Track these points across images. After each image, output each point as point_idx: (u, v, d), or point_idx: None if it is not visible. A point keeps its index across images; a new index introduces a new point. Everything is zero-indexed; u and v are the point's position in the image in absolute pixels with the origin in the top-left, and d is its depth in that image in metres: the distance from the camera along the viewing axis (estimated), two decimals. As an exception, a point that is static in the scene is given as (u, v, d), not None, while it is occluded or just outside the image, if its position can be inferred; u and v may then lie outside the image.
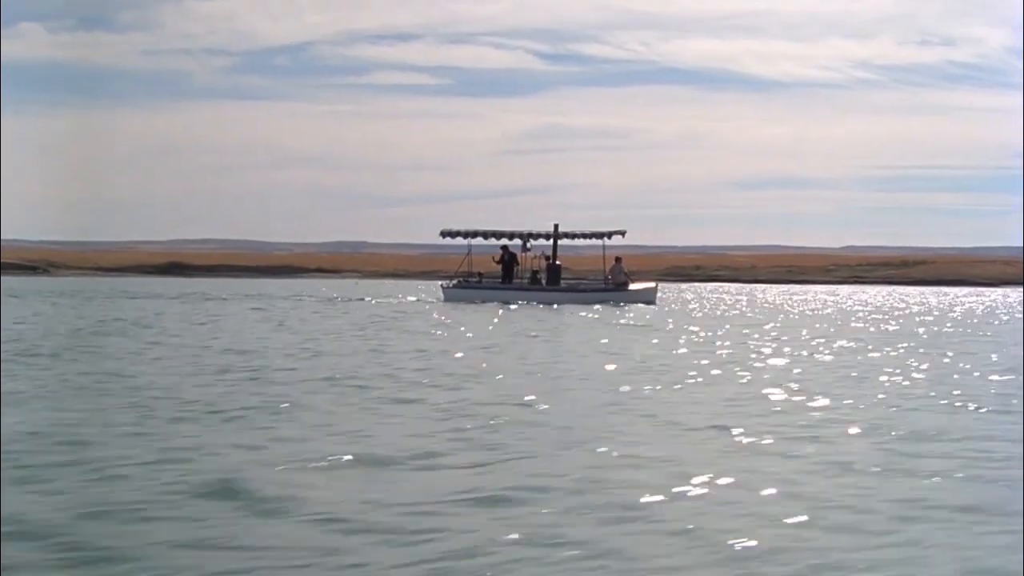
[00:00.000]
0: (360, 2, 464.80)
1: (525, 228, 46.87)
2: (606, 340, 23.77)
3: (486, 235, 47.60)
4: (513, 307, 40.77)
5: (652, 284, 48.10)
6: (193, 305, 41.28)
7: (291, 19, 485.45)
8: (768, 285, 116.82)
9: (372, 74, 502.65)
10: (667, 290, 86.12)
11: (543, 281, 46.45)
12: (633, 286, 46.61)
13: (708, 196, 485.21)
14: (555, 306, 41.30)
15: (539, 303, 43.32)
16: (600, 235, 46.44)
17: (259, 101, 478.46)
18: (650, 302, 45.15)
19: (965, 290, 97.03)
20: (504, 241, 47.13)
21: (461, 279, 47.74)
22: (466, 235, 47.74)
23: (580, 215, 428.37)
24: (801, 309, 46.29)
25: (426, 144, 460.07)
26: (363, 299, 49.03)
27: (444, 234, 48.28)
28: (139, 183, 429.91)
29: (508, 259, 46.70)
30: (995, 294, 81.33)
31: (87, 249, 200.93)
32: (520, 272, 46.86)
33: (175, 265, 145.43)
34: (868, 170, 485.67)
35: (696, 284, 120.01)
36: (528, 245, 46.89)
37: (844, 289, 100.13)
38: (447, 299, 46.83)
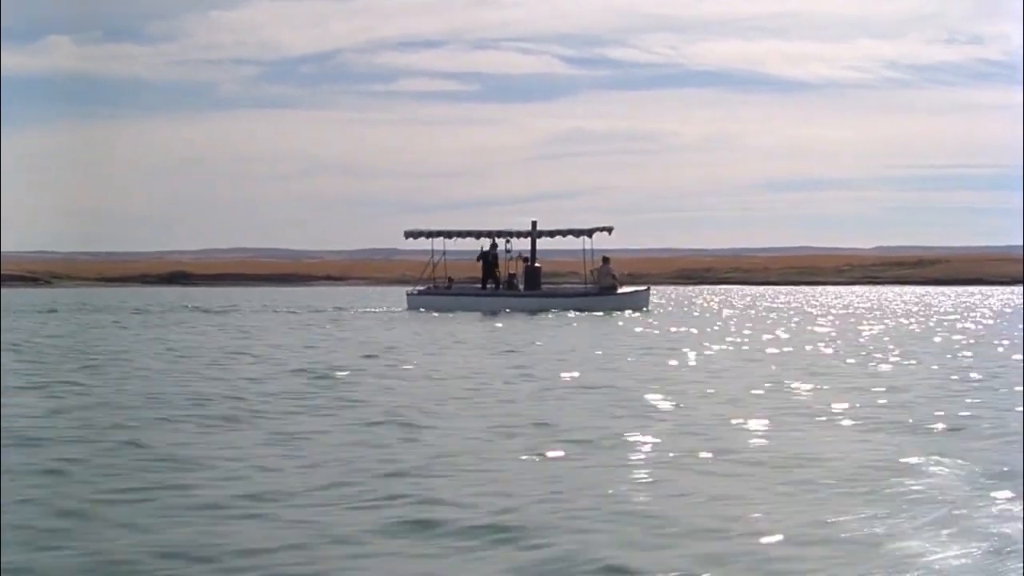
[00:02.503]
0: (385, 10, 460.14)
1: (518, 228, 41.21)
2: (600, 352, 18.22)
3: (451, 235, 41.72)
4: (477, 316, 34.97)
5: (643, 287, 41.75)
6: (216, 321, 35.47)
7: (317, 28, 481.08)
8: (780, 287, 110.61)
9: (399, 81, 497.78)
10: (667, 294, 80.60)
11: (520, 286, 40.47)
12: (623, 289, 40.45)
13: (736, 198, 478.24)
14: (534, 314, 35.40)
15: (515, 310, 37.48)
16: (584, 232, 40.44)
17: (286, 110, 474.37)
18: (641, 308, 38.98)
19: (981, 288, 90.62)
20: (484, 241, 41.29)
21: (433, 284, 41.88)
22: (431, 235, 41.92)
23: (609, 219, 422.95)
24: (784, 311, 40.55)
25: (454, 150, 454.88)
26: (324, 310, 43.07)
27: (408, 235, 42.47)
28: (167, 193, 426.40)
29: (491, 259, 40.79)
30: (1004, 292, 74.92)
31: (113, 260, 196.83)
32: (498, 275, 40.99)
33: (179, 275, 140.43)
34: (899, 170, 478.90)
35: (706, 287, 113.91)
36: (508, 247, 40.85)
37: (858, 289, 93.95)
38: (411, 307, 40.97)
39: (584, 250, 40.26)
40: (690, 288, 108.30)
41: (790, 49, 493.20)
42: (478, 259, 41.26)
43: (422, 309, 39.33)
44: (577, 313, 35.71)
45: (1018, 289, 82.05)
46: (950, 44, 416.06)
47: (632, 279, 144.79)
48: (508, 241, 40.96)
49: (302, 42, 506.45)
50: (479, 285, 41.31)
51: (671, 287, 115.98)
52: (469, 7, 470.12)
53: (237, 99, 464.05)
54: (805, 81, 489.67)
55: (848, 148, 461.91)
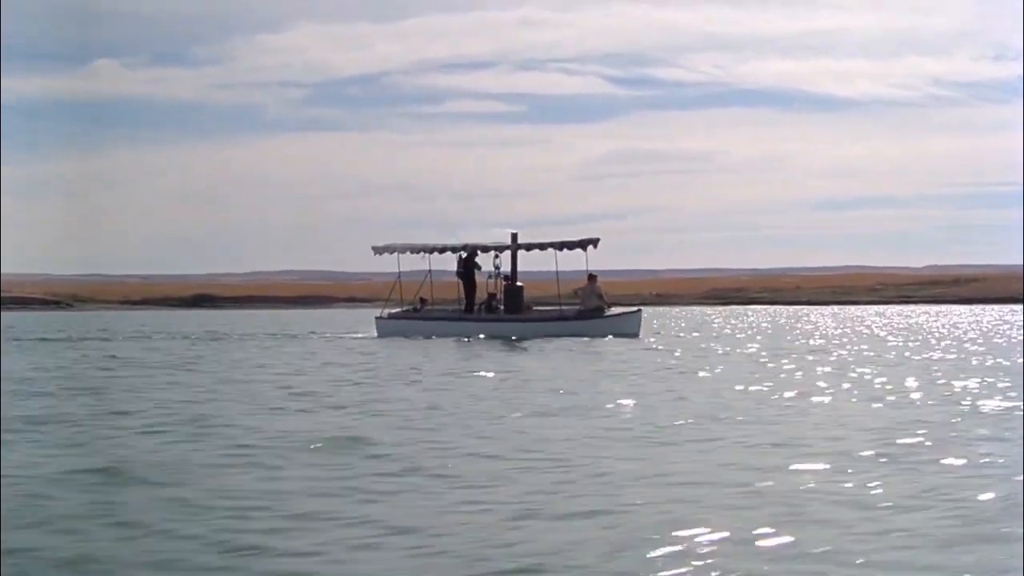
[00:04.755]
0: (431, 31, 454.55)
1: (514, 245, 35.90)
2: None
3: (420, 250, 37.01)
4: (448, 343, 30.38)
5: (634, 309, 36.35)
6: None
7: (363, 50, 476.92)
8: (811, 307, 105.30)
9: (446, 103, 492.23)
10: (689, 315, 75.63)
11: (500, 308, 35.62)
12: (612, 312, 35.32)
13: (786, 217, 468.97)
14: (512, 341, 30.55)
15: (492, 336, 32.69)
16: (569, 245, 35.41)
17: (333, 132, 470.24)
18: (632, 333, 33.75)
19: (1013, 307, 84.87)
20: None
21: (412, 307, 37.20)
22: (398, 250, 37.28)
23: (658, 238, 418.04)
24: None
25: (502, 171, 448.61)
26: (298, 336, 38.48)
27: (376, 250, 37.82)
28: (216, 217, 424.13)
29: (466, 271, 36.04)
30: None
31: (158, 282, 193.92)
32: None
33: (202, 297, 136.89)
34: (949, 188, 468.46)
35: (735, 307, 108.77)
36: (497, 263, 35.81)
37: (891, 309, 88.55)
38: (381, 333, 36.27)
39: (554, 266, 35.12)
40: (717, 308, 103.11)
41: (838, 67, 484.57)
42: (458, 274, 36.40)
43: (395, 336, 34.55)
44: (555, 341, 30.42)
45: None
46: (997, 61, 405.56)
47: (660, 299, 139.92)
48: (497, 256, 36.00)
49: (348, 64, 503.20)
50: (457, 307, 36.37)
51: (697, 307, 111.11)
52: (515, 28, 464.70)
53: (283, 122, 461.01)
54: (853, 99, 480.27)
55: (896, 166, 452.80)
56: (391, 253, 37.17)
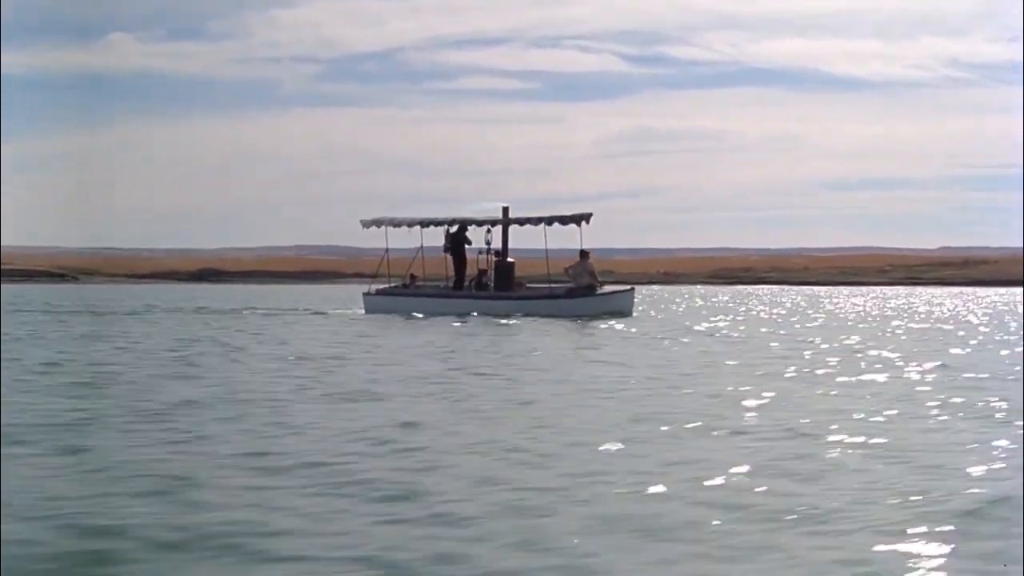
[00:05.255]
0: (445, 8, 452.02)
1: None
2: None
3: (409, 224, 35.75)
4: (435, 322, 29.21)
5: (627, 288, 35.07)
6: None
7: (377, 26, 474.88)
8: (818, 287, 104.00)
9: (459, 79, 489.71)
10: (678, 293, 74.55)
11: (490, 285, 34.34)
12: (604, 290, 34.02)
13: (799, 198, 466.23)
14: (501, 319, 29.31)
15: (482, 314, 31.45)
16: (562, 220, 34.00)
17: (347, 108, 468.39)
18: (625, 312, 32.53)
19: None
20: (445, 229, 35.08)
21: (402, 283, 36.03)
22: (387, 224, 36.04)
23: (672, 218, 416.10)
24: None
25: (515, 149, 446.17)
26: (283, 312, 37.37)
27: (364, 224, 36.59)
28: (227, 191, 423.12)
29: (456, 247, 34.64)
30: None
31: (171, 255, 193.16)
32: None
33: (208, 271, 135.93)
34: (963, 169, 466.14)
35: (739, 287, 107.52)
36: (489, 239, 34.41)
37: (897, 290, 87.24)
38: (368, 309, 35.11)
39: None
40: (721, 288, 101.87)
41: (852, 48, 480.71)
42: (446, 249, 35.14)
43: (383, 313, 33.32)
44: (542, 320, 29.15)
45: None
46: (1013, 42, 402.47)
47: (667, 279, 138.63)
48: (489, 231, 34.60)
49: (362, 40, 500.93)
50: (445, 284, 35.14)
51: (700, 287, 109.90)
52: (529, 5, 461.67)
53: (297, 97, 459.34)
54: (867, 80, 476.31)
55: (911, 147, 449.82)
56: (379, 227, 35.96)
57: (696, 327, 27.64)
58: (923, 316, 36.18)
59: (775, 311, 41.00)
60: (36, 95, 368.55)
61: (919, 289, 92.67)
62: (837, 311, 41.15)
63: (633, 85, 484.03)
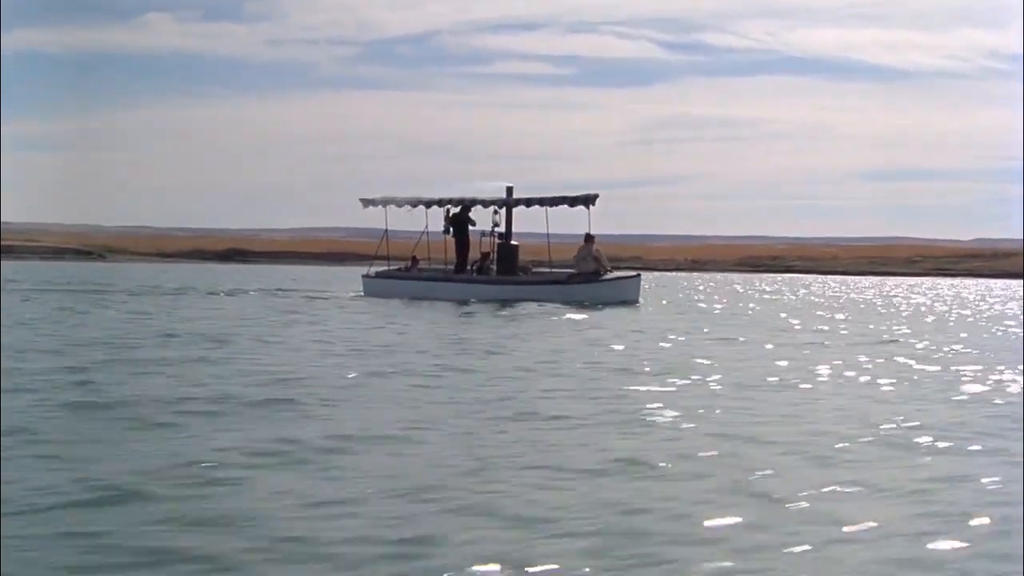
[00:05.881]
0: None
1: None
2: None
3: (410, 203, 34.49)
4: (432, 308, 28.00)
5: (633, 274, 33.41)
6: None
7: (413, 9, 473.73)
8: (846, 276, 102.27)
9: (495, 64, 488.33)
10: (698, 280, 73.03)
11: (493, 269, 33.05)
12: (609, 276, 32.52)
13: (833, 187, 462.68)
14: (501, 306, 27.93)
15: (483, 300, 30.17)
16: (568, 201, 32.43)
17: (383, 91, 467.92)
18: (630, 300, 31.15)
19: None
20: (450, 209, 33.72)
21: (405, 266, 34.88)
22: (387, 203, 34.84)
23: (705, 206, 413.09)
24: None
25: (550, 134, 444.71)
26: (277, 291, 36.37)
27: (364, 202, 35.39)
28: (264, 172, 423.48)
29: (459, 228, 33.23)
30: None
31: (206, 235, 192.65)
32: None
33: (234, 251, 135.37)
34: (999, 161, 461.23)
35: (765, 276, 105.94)
36: (496, 220, 33.03)
37: (926, 281, 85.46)
38: (368, 292, 34.00)
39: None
40: (747, 276, 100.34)
41: (889, 37, 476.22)
42: (446, 231, 33.62)
43: (382, 297, 32.14)
44: (541, 307, 27.41)
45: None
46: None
47: (694, 266, 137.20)
48: (497, 212, 33.29)
49: (399, 23, 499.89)
50: (446, 267, 33.91)
51: (724, 274, 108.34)
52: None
53: (333, 79, 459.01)
54: (903, 70, 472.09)
55: (947, 138, 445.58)
56: (376, 206, 34.79)
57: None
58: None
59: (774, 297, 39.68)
60: (70, 73, 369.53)
61: (944, 280, 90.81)
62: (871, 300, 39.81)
63: (669, 72, 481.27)
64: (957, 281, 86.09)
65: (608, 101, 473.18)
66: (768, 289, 55.00)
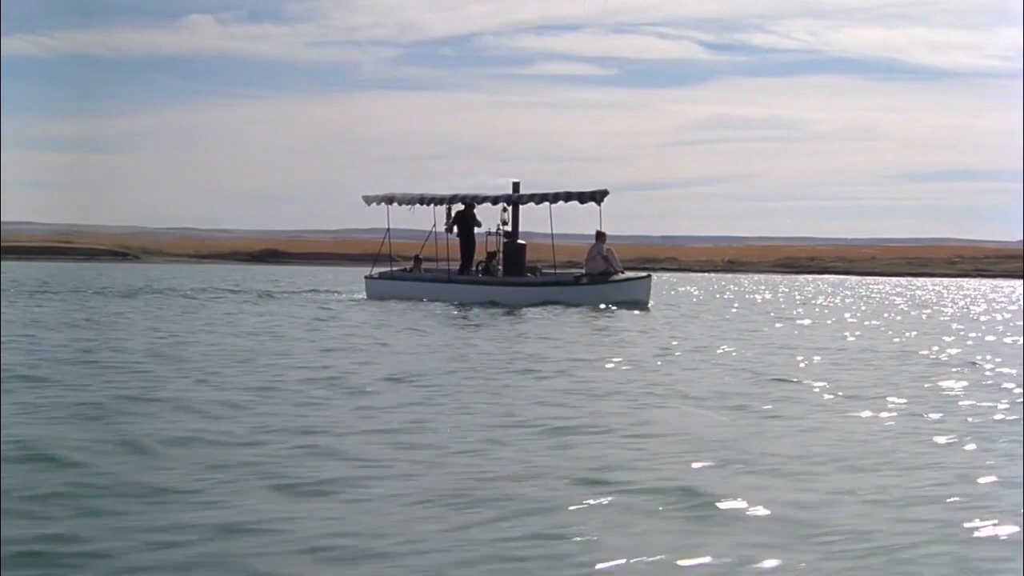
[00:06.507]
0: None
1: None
2: None
3: (412, 201, 32.77)
4: (431, 311, 26.33)
5: (643, 275, 31.07)
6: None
7: (455, 10, 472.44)
8: (881, 278, 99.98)
9: (537, 65, 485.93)
10: (729, 281, 71.08)
11: (500, 270, 31.35)
12: (618, 277, 30.44)
13: (878, 188, 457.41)
14: (507, 310, 26.14)
15: (486, 302, 28.55)
16: (577, 197, 30.54)
17: (426, 92, 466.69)
18: (640, 302, 29.34)
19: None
20: (457, 206, 31.92)
21: (408, 267, 33.34)
22: (388, 200, 33.22)
23: (749, 207, 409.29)
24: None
25: (593, 135, 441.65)
26: (274, 294, 34.97)
27: (367, 200, 33.79)
28: (308, 173, 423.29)
29: (465, 226, 31.50)
30: None
31: (243, 237, 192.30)
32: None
33: (268, 252, 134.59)
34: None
35: (799, 276, 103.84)
36: (505, 218, 31.32)
37: (966, 282, 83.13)
38: (370, 294, 32.47)
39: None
40: (785, 277, 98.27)
41: (933, 37, 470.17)
42: (449, 228, 31.53)
43: (385, 299, 30.53)
44: (540, 310, 25.59)
45: None
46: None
47: (731, 267, 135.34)
48: (506, 210, 31.29)
49: (440, 24, 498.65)
50: (449, 267, 32.18)
51: (762, 275, 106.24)
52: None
53: (376, 80, 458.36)
54: (947, 70, 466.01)
55: (992, 139, 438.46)
56: (378, 204, 33.22)
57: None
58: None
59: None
60: (114, 76, 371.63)
61: (982, 282, 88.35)
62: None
63: (711, 72, 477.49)
64: (990, 282, 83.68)
65: (650, 101, 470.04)
66: (759, 290, 53.09)
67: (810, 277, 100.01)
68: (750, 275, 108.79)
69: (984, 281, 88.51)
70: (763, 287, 58.98)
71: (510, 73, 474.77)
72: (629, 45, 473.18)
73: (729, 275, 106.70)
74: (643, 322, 22.88)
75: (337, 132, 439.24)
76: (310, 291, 36.73)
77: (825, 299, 40.58)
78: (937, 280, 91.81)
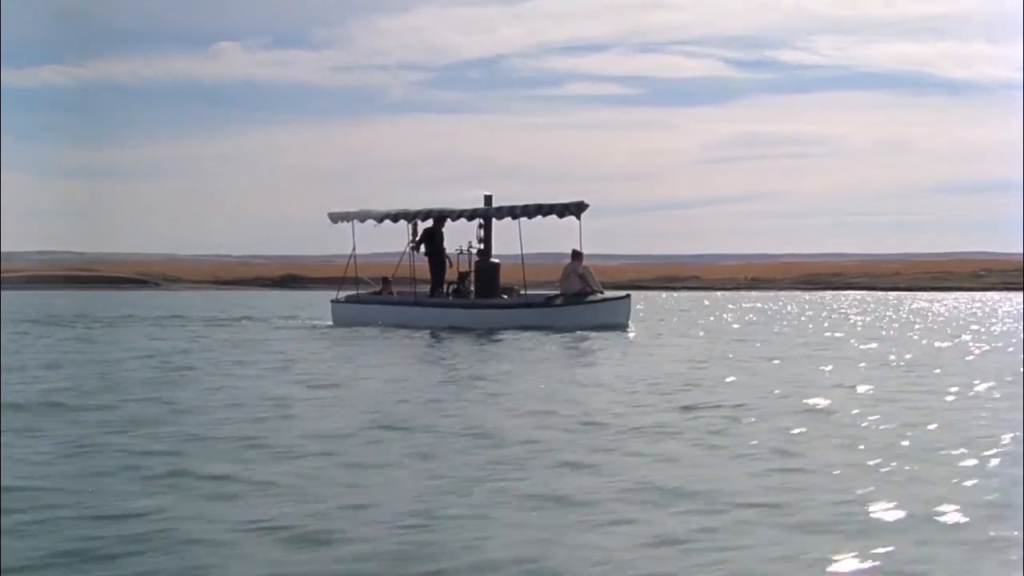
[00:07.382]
0: (551, 14, 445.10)
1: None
2: None
3: (377, 217, 30.20)
4: (396, 339, 24.01)
5: (622, 295, 28.30)
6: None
7: (482, 33, 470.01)
8: (905, 293, 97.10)
9: (565, 85, 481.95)
10: (757, 299, 68.43)
11: (471, 291, 28.89)
12: (595, 298, 27.70)
13: (908, 202, 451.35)
14: (479, 335, 23.81)
15: (457, 326, 26.25)
16: (555, 210, 27.77)
17: (455, 114, 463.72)
18: (619, 325, 26.83)
19: None
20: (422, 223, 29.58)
21: (376, 289, 31.04)
22: (352, 218, 30.80)
23: (778, 224, 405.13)
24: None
25: (622, 155, 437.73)
26: (231, 322, 32.86)
27: (332, 218, 31.33)
28: (337, 198, 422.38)
29: (438, 241, 29.09)
30: None
31: (282, 263, 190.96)
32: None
33: (289, 278, 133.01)
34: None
35: (825, 293, 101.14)
36: (480, 234, 28.89)
37: (989, 296, 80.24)
38: (337, 319, 30.17)
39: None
40: (807, 294, 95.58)
41: (960, 51, 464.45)
42: (415, 247, 29.09)
43: (352, 325, 28.19)
44: (512, 335, 23.30)
45: None
46: None
47: (753, 284, 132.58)
48: (481, 226, 28.64)
49: (468, 47, 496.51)
50: (416, 290, 29.79)
51: (786, 292, 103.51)
52: (634, 11, 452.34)
53: (404, 104, 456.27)
54: (975, 83, 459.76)
55: (1021, 151, 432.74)
56: (345, 221, 30.87)
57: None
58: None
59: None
60: (142, 104, 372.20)
61: (1000, 295, 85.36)
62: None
63: (738, 90, 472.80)
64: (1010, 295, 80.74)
65: (679, 120, 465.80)
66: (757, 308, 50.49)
67: (831, 293, 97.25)
68: (775, 292, 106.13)
69: (1009, 295, 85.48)
70: (760, 305, 56.39)
71: (539, 95, 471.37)
72: (656, 64, 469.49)
73: (753, 292, 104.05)
74: (617, 352, 20.48)
75: (365, 156, 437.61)
76: (286, 316, 34.70)
77: (828, 317, 38.05)
78: (961, 294, 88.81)
